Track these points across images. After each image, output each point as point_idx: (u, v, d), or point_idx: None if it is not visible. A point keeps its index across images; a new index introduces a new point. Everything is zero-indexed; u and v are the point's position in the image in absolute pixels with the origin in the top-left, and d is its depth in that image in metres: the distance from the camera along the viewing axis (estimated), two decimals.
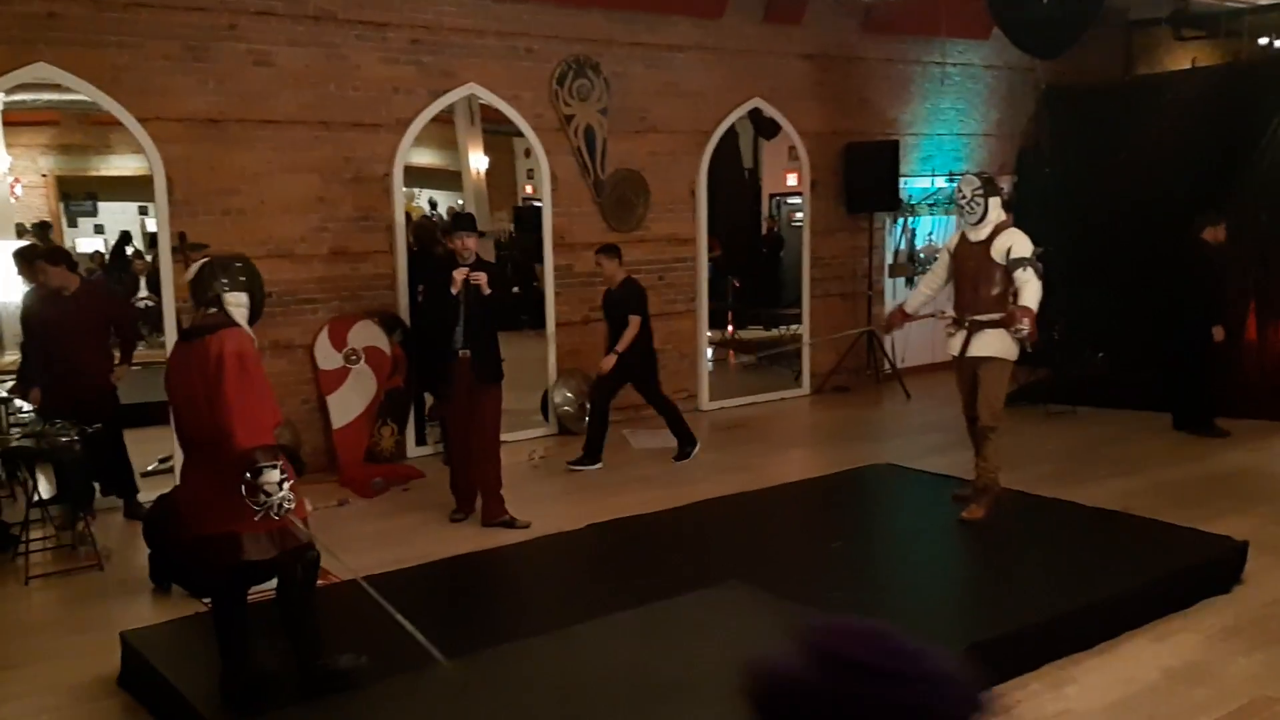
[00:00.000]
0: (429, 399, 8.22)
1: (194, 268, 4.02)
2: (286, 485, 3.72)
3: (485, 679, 4.18)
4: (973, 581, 5.48)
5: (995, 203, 6.03)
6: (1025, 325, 5.77)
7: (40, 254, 6.75)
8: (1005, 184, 12.05)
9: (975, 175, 6.22)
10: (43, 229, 11.42)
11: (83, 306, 6.63)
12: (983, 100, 12.00)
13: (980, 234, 6.02)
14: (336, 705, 3.98)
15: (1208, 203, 9.15)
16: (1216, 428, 8.58)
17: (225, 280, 3.96)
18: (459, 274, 6.35)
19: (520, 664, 4.30)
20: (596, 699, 3.98)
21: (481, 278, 6.36)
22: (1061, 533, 5.99)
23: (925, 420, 9.33)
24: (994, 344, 5.94)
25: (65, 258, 6.80)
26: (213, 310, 3.96)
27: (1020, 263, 5.86)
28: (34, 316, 6.66)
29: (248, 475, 3.65)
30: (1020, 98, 12.13)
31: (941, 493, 6.59)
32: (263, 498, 3.66)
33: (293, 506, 3.78)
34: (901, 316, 6.63)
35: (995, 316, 5.90)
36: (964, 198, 6.08)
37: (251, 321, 4.03)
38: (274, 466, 3.70)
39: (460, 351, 6.45)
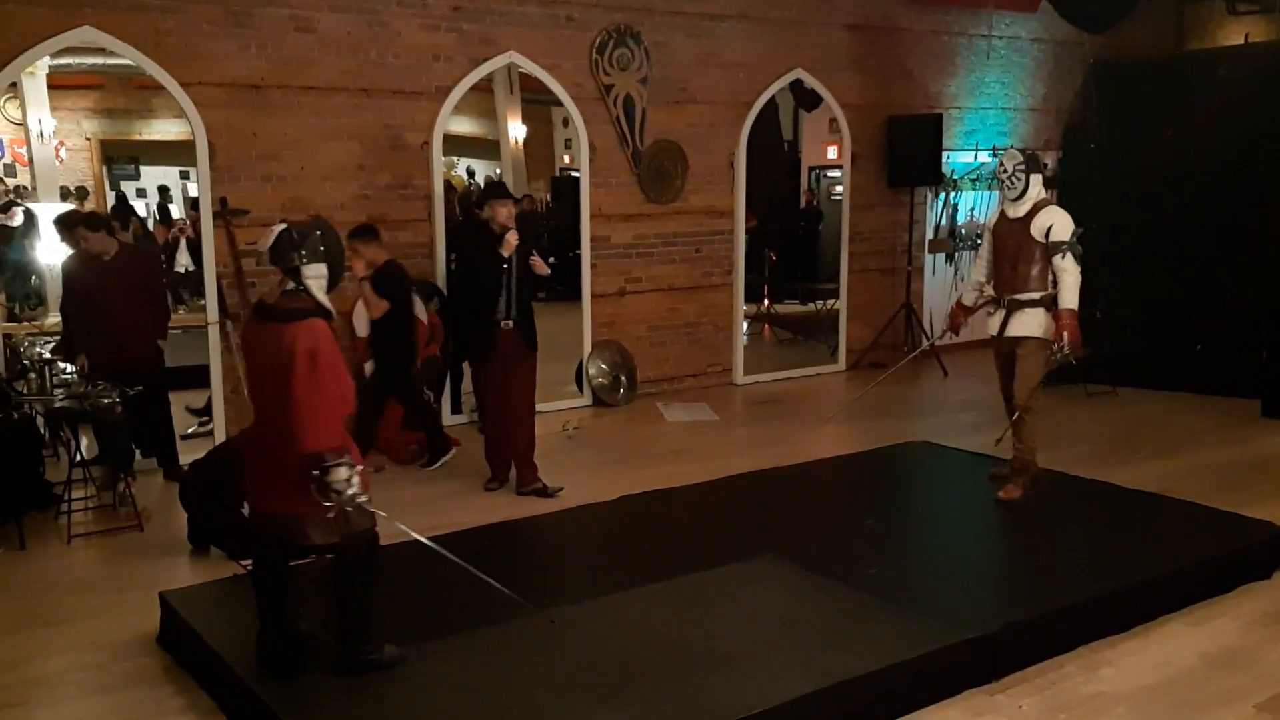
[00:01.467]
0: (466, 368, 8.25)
1: (272, 234, 3.87)
2: (356, 479, 3.70)
3: (519, 647, 4.20)
4: (1008, 561, 5.44)
5: (1037, 179, 5.93)
6: (1064, 340, 5.69)
7: (80, 219, 6.79)
8: (1050, 160, 11.91)
9: (1019, 150, 6.13)
10: (80, 194, 11.53)
11: (123, 270, 6.67)
12: (1029, 74, 11.81)
13: (1020, 210, 5.93)
14: (376, 674, 4.01)
15: (1260, 183, 8.98)
16: None
17: (303, 253, 3.82)
18: (512, 237, 6.34)
19: (553, 633, 4.32)
20: (629, 670, 4.00)
21: (539, 261, 6.42)
22: (1099, 514, 5.94)
23: (962, 398, 9.26)
24: (1032, 324, 5.87)
25: (105, 223, 6.84)
26: (290, 288, 3.84)
27: (1059, 247, 5.77)
28: (75, 281, 6.72)
29: (315, 474, 3.63)
30: (1067, 72, 11.93)
31: (978, 471, 6.54)
32: (333, 495, 3.66)
33: (365, 498, 3.77)
34: (963, 312, 6.51)
35: (1035, 296, 5.83)
36: (1005, 172, 5.99)
37: (330, 289, 3.94)
38: (341, 464, 3.66)
39: (504, 321, 6.45)
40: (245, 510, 4.14)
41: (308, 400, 3.66)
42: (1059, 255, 5.76)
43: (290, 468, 3.72)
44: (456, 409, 8.53)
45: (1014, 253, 5.93)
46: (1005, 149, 6.19)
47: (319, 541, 3.86)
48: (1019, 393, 5.97)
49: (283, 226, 3.88)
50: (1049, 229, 5.83)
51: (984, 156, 11.33)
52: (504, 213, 6.45)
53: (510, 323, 6.47)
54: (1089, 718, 3.97)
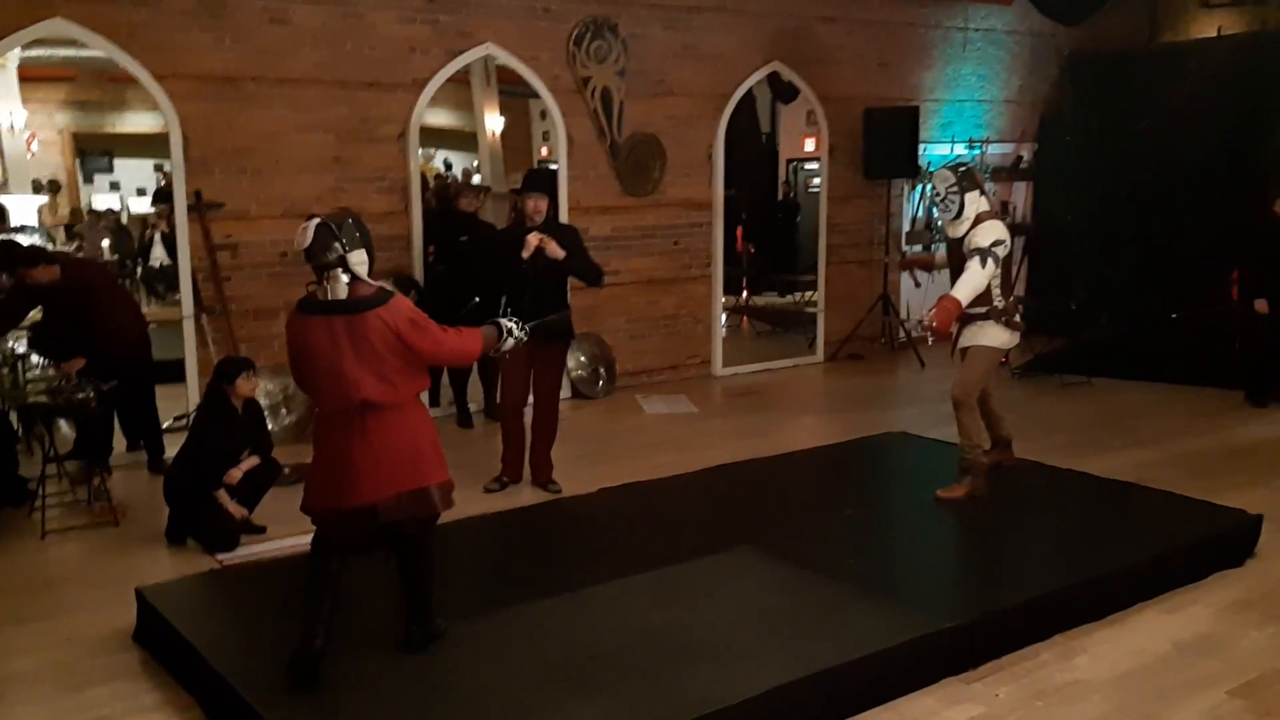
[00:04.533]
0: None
1: (309, 230, 3.88)
2: (515, 329, 4.34)
3: (497, 640, 4.20)
4: (984, 551, 5.47)
5: (973, 197, 5.71)
6: (929, 313, 5.53)
7: (17, 260, 6.50)
8: (1025, 153, 11.98)
9: (949, 169, 5.83)
10: (53, 187, 11.43)
11: (74, 290, 6.50)
12: (1004, 66, 11.86)
13: (960, 230, 5.74)
14: (351, 663, 4.00)
15: (1234, 173, 9.07)
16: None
17: (345, 240, 3.87)
18: (533, 238, 6.04)
19: (532, 626, 4.33)
20: (608, 661, 4.00)
21: (551, 243, 6.06)
22: (1074, 503, 5.99)
23: (939, 389, 9.26)
24: (978, 335, 5.83)
25: (42, 255, 6.65)
26: (346, 279, 3.88)
27: (974, 251, 5.60)
28: (41, 305, 6.64)
29: (494, 354, 4.43)
30: (1042, 64, 12.00)
31: (954, 462, 6.56)
32: (513, 344, 4.36)
33: (525, 336, 4.40)
34: (925, 261, 6.50)
35: (981, 310, 5.77)
36: (938, 195, 5.80)
37: (370, 274, 4.00)
38: (505, 339, 4.33)
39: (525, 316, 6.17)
40: (312, 509, 4.10)
41: (445, 346, 4.04)
42: (972, 257, 5.60)
43: (412, 442, 3.95)
44: (434, 402, 8.51)
45: (958, 271, 5.78)
46: (938, 170, 5.95)
47: (440, 509, 4.07)
48: (954, 385, 5.94)
49: (317, 221, 3.91)
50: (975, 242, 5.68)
51: (960, 149, 11.38)
52: (530, 206, 6.17)
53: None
54: (1065, 705, 4.00)
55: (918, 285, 6.34)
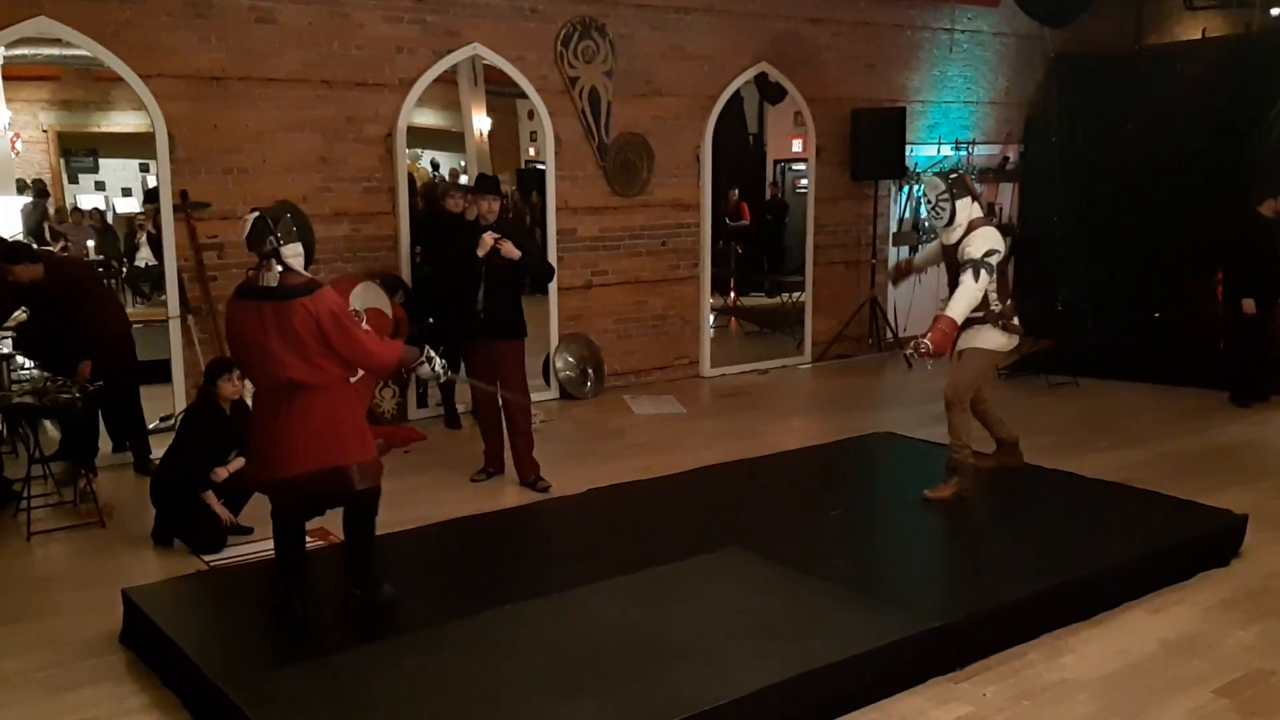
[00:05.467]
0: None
1: (248, 221, 4.14)
2: (437, 360, 4.59)
3: (486, 641, 4.20)
4: (971, 551, 5.48)
5: (965, 203, 5.70)
6: (926, 339, 5.51)
7: (0, 256, 6.44)
8: (1011, 154, 12.02)
9: (939, 177, 5.85)
10: (39, 187, 11.37)
11: (60, 289, 6.47)
12: (991, 68, 11.90)
13: (953, 237, 5.74)
14: (339, 664, 4.00)
15: (1218, 175, 9.12)
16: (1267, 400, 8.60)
17: (279, 235, 4.11)
18: (488, 237, 6.28)
19: (519, 627, 4.32)
20: (596, 661, 4.00)
21: (507, 243, 6.29)
22: (1061, 504, 6.01)
23: (926, 390, 9.31)
24: (974, 338, 5.84)
25: (25, 252, 6.60)
26: (279, 269, 4.12)
27: (967, 264, 5.60)
28: (27, 305, 6.60)
29: (406, 374, 4.53)
30: (1029, 66, 12.05)
31: (941, 462, 6.58)
32: (428, 373, 4.58)
33: (446, 373, 4.67)
34: (906, 267, 6.52)
35: (978, 314, 5.78)
36: (929, 202, 5.81)
37: (307, 265, 4.25)
38: (420, 363, 4.55)
39: (480, 313, 6.37)
40: (252, 479, 4.54)
41: (358, 346, 4.20)
42: (965, 270, 5.61)
43: (333, 422, 4.21)
44: (423, 403, 8.50)
45: (953, 277, 5.80)
46: (929, 177, 5.96)
47: (361, 487, 4.32)
48: (947, 387, 5.96)
49: (256, 214, 4.15)
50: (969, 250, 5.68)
51: (947, 150, 11.42)
52: (484, 206, 6.44)
53: (484, 314, 6.40)
54: (1052, 705, 4.01)
55: (894, 286, 6.47)
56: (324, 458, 4.21)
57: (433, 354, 4.59)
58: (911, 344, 5.61)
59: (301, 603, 4.36)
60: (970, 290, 5.59)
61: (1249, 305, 8.45)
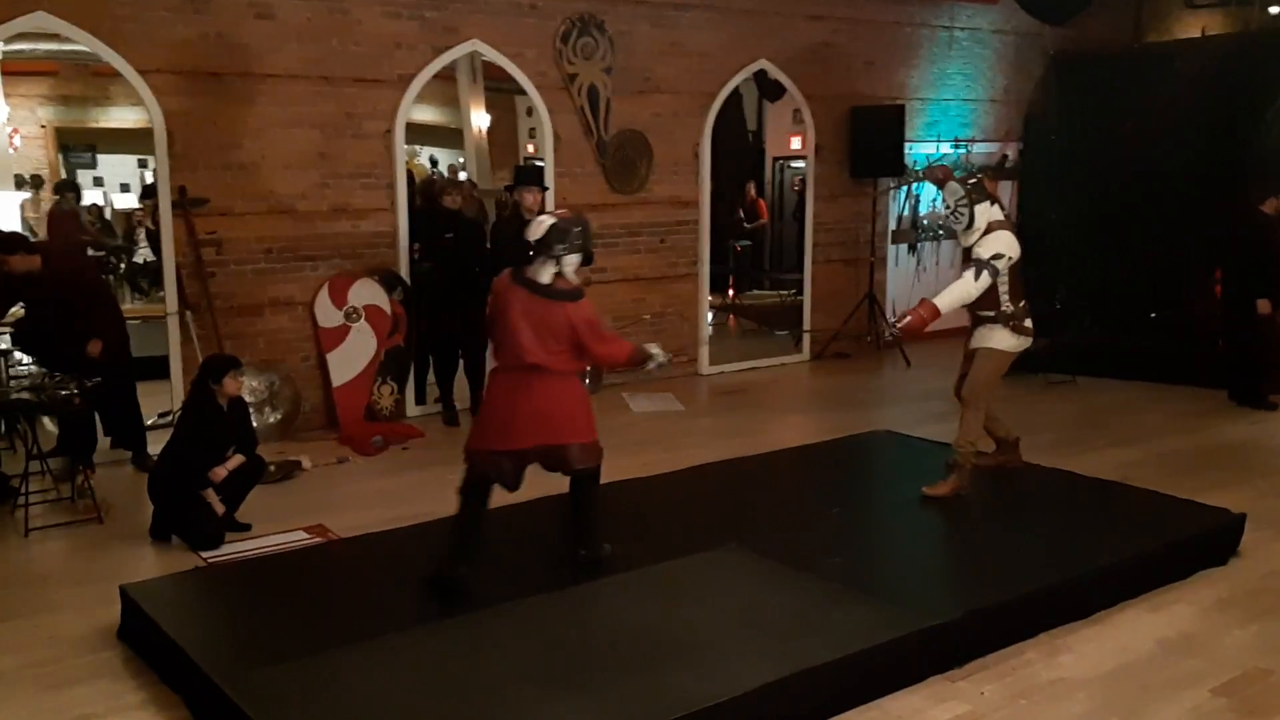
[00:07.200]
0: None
1: (542, 227, 4.58)
2: (659, 355, 4.98)
3: (484, 638, 4.20)
4: (969, 549, 5.48)
5: (983, 208, 5.73)
6: (906, 318, 5.69)
7: None
8: (1010, 152, 12.02)
9: (958, 183, 5.89)
10: (36, 183, 11.36)
11: (58, 282, 6.47)
12: (990, 66, 11.89)
13: (971, 239, 5.78)
14: (336, 660, 3.99)
15: (1218, 173, 9.10)
16: (1268, 401, 8.55)
17: (564, 245, 4.57)
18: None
19: (518, 623, 4.32)
20: (594, 659, 4.00)
21: None
22: (1059, 502, 6.01)
23: (925, 388, 9.32)
24: (989, 338, 5.87)
25: (22, 243, 6.60)
26: (555, 271, 4.61)
27: (971, 262, 5.67)
28: (22, 300, 6.58)
29: (638, 367, 5.02)
30: (1028, 64, 12.04)
31: (940, 460, 6.58)
32: (655, 369, 5.06)
33: (668, 361, 5.05)
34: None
35: (990, 313, 5.80)
36: (949, 208, 5.86)
37: (582, 265, 4.78)
38: (649, 360, 4.95)
39: None
40: (477, 448, 4.78)
41: (606, 348, 4.76)
42: (969, 268, 5.66)
43: (562, 405, 4.66)
44: (421, 399, 8.49)
45: None
46: (949, 184, 5.98)
47: (579, 466, 4.76)
48: (964, 388, 6.00)
49: (552, 221, 4.61)
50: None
51: (946, 148, 11.41)
52: (530, 199, 6.49)
53: None
54: (1049, 703, 4.02)
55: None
56: (551, 435, 4.64)
57: (654, 348, 5.00)
58: (892, 320, 5.70)
59: (469, 571, 4.66)
60: (965, 286, 5.65)
61: (1265, 306, 8.41)
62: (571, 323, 4.59)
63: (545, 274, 4.61)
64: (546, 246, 4.59)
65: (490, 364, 5.07)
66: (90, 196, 12.23)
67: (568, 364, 4.68)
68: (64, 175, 12.29)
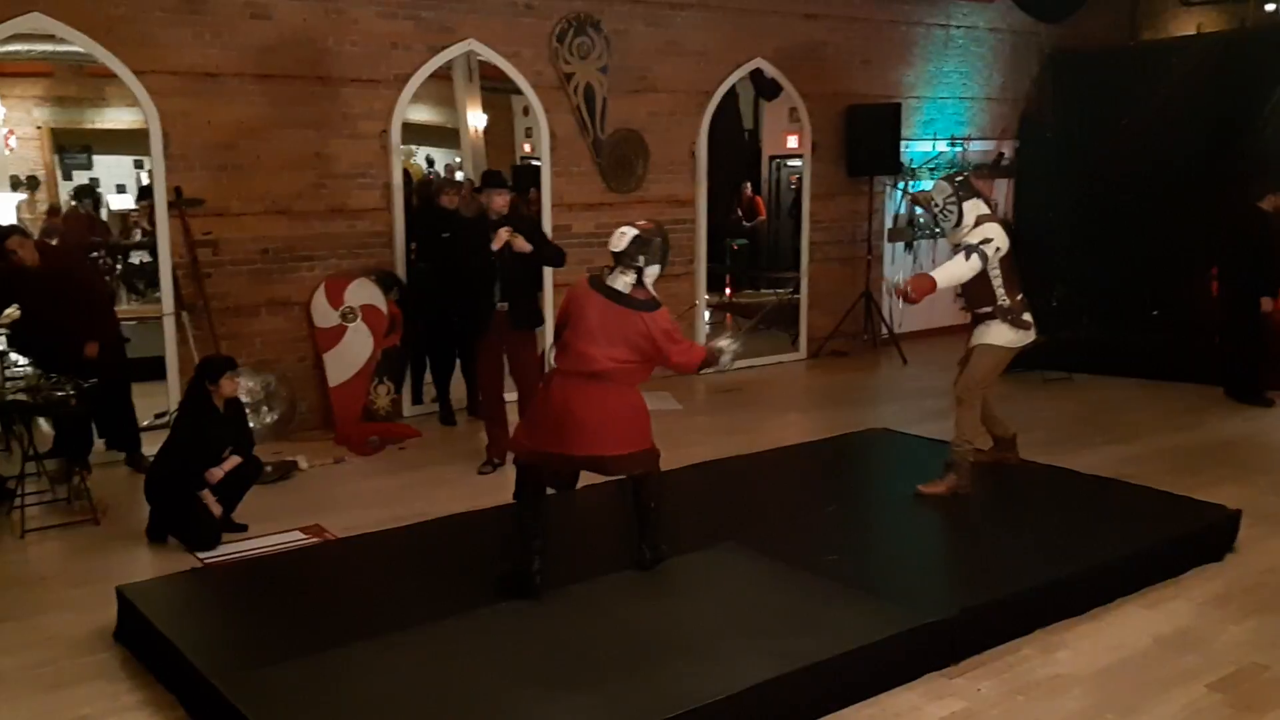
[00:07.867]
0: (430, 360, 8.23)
1: (625, 235, 4.68)
2: (727, 353, 4.94)
3: (481, 637, 4.19)
4: (965, 546, 5.49)
5: (971, 204, 5.74)
6: (908, 285, 5.66)
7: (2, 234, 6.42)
8: (1006, 149, 12.03)
9: (945, 181, 5.89)
10: (31, 184, 11.37)
11: (55, 279, 6.47)
12: (986, 64, 11.90)
13: (959, 237, 5.79)
14: (334, 660, 3.99)
15: (1213, 170, 9.11)
16: (1265, 397, 8.55)
17: (645, 256, 4.68)
18: (504, 232, 6.43)
19: (516, 622, 4.32)
20: (592, 658, 4.00)
21: (518, 238, 6.48)
22: (1055, 499, 6.01)
23: (921, 385, 9.33)
24: (986, 334, 5.86)
25: (19, 234, 6.59)
26: (633, 281, 4.67)
27: (960, 246, 5.68)
28: (18, 301, 6.58)
29: (711, 370, 5.04)
30: (1024, 62, 12.05)
31: (936, 458, 6.57)
32: (729, 362, 4.99)
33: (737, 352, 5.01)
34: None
35: (988, 309, 5.82)
36: (936, 206, 5.86)
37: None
38: (719, 357, 4.91)
39: (499, 305, 6.58)
40: (525, 448, 4.81)
41: (685, 356, 4.78)
42: (958, 251, 5.67)
43: (618, 413, 4.65)
44: (418, 399, 8.49)
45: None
46: (935, 182, 6.00)
47: (624, 473, 4.81)
48: (959, 382, 5.99)
49: (635, 232, 4.70)
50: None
51: (942, 146, 11.42)
52: (499, 202, 6.56)
53: (505, 305, 6.59)
54: (1046, 699, 4.02)
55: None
56: (609, 444, 4.63)
57: (724, 341, 4.99)
58: (892, 284, 5.69)
59: (540, 569, 4.60)
60: (957, 264, 5.65)
61: (1268, 304, 8.42)
62: (650, 333, 4.62)
63: (624, 283, 4.67)
64: (629, 257, 4.67)
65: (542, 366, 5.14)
66: (116, 203, 12.22)
67: (631, 375, 4.69)
68: (60, 177, 12.30)
